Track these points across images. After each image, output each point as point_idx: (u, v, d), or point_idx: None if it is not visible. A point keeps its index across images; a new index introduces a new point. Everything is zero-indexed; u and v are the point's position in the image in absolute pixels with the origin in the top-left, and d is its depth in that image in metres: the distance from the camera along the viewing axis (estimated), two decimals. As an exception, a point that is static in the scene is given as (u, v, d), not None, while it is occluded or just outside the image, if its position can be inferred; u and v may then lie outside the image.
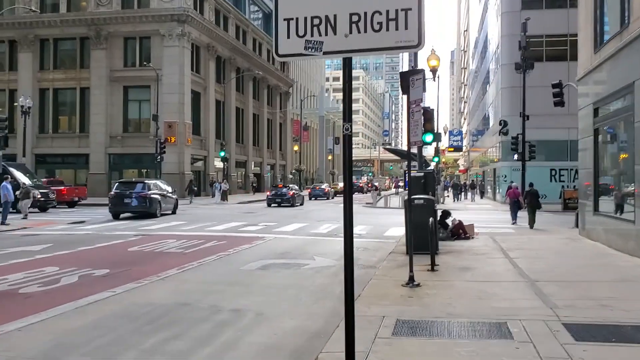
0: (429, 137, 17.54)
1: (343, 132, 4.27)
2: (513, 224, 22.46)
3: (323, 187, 54.77)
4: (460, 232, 16.30)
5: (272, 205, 36.75)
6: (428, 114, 17.21)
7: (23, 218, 23.52)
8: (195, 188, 43.01)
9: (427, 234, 11.88)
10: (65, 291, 8.99)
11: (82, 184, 46.38)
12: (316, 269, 11.54)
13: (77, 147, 46.55)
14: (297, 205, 37.67)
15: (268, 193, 38.54)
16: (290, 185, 42.23)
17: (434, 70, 17.66)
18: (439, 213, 15.57)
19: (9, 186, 21.13)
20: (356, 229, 20.03)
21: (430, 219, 11.08)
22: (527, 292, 8.72)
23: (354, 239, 14.37)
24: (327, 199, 50.93)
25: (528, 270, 10.65)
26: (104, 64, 45.14)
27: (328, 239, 17.01)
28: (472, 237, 16.39)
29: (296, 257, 13.15)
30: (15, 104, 43.30)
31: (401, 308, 7.64)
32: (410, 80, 8.99)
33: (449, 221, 16.53)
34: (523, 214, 22.10)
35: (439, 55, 17.67)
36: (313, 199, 50.00)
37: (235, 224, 21.81)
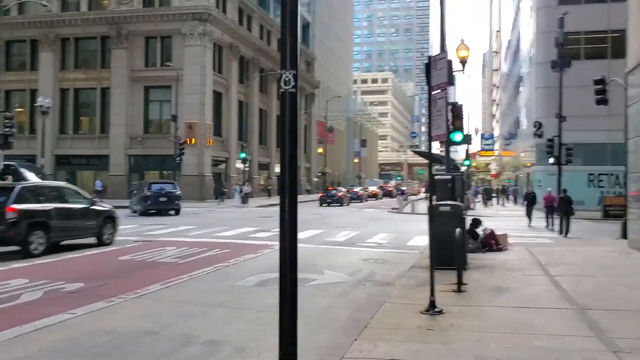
0: (458, 136, 15.80)
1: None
2: (546, 227, 22.95)
3: (356, 190, 55.16)
4: (492, 242, 14.51)
5: (323, 205, 42.48)
6: (457, 110, 15.49)
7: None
8: (226, 190, 41.76)
9: (453, 246, 10.25)
10: (18, 311, 7.59)
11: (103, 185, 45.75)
12: (322, 286, 9.94)
13: (97, 148, 45.81)
14: (344, 205, 43.63)
15: (320, 194, 45.47)
16: (339, 188, 50.30)
17: (463, 62, 15.92)
18: (468, 221, 13.82)
19: (10, 187, 19.95)
20: (377, 237, 18.38)
21: (457, 230, 9.39)
22: (577, 324, 6.97)
23: (373, 249, 12.59)
24: (342, 205, 49.15)
25: (574, 292, 8.87)
26: (124, 63, 44.33)
27: (344, 248, 15.38)
28: (506, 249, 14.59)
29: (303, 270, 11.49)
30: (36, 104, 42.70)
31: (417, 346, 5.99)
32: (432, 61, 7.35)
33: (479, 230, 14.76)
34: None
35: (468, 45, 15.92)
36: (325, 204, 48.17)
37: (247, 229, 20.33)
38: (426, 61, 7.44)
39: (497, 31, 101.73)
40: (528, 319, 7.14)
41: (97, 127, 46.26)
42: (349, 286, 10.00)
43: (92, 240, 15.14)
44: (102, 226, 15.33)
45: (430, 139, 7.54)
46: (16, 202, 12.83)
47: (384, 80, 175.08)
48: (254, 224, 22.87)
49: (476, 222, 14.88)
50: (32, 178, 28.99)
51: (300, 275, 10.54)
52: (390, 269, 11.97)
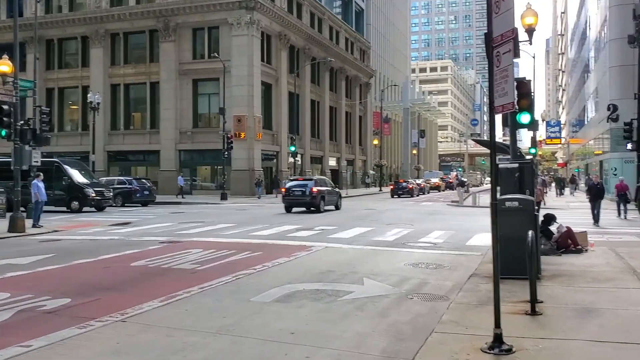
0: (525, 117, 13.42)
1: None
2: (618, 216, 21.17)
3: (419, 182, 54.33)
4: (569, 243, 12.16)
5: (394, 197, 45.03)
6: (524, 87, 13.03)
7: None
8: (262, 182, 40.18)
9: (524, 251, 8.14)
10: (-34, 341, 6.03)
11: (154, 181, 45.27)
12: (359, 301, 8.00)
13: (148, 143, 45.30)
14: (415, 196, 46.40)
15: (392, 187, 48.09)
16: (409, 180, 53.70)
17: (530, 31, 13.51)
18: (540, 218, 11.52)
19: (40, 184, 19.02)
20: (432, 236, 16.23)
21: (530, 233, 7.24)
22: None
23: (426, 250, 10.06)
24: (412, 196, 47.26)
25: (692, 316, 6.59)
26: (173, 57, 43.53)
27: (392, 250, 13.34)
28: (586, 250, 12.21)
29: (339, 279, 9.65)
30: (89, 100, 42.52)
31: (475, 418, 3.97)
32: (492, 3, 5.27)
33: (553, 228, 12.43)
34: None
35: (536, 11, 13.48)
36: (395, 196, 46.28)
37: (288, 227, 18.57)
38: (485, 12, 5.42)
39: (562, 12, 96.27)
40: (638, 364, 4.99)
41: (147, 122, 45.77)
42: (392, 302, 8.03)
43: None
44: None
45: (493, 111, 5.46)
46: (315, 186, 26.80)
47: (444, 69, 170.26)
48: (297, 221, 21.11)
49: (549, 219, 12.54)
50: (74, 174, 28.40)
51: (334, 286, 8.62)
52: (444, 277, 9.89)
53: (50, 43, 47.81)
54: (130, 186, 32.92)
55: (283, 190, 28.62)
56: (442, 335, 5.98)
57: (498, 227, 5.93)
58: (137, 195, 32.67)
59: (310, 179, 28.74)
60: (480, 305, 7.39)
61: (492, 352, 5.31)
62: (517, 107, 13.73)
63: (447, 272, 10.41)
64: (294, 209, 27.27)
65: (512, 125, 13.89)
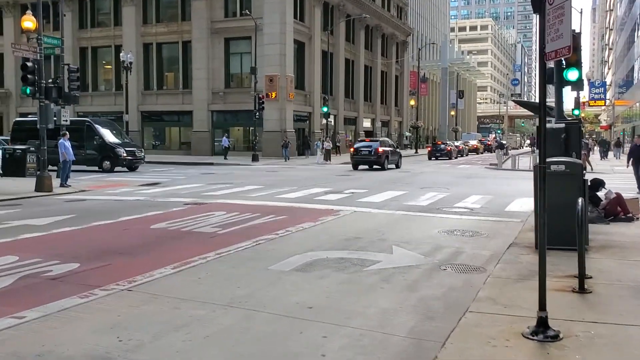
0: (573, 74, 12.34)
1: None
2: None
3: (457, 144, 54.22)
4: (619, 210, 11.19)
5: (432, 159, 44.50)
6: (573, 41, 12.03)
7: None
8: (289, 143, 39.07)
9: (569, 219, 7.39)
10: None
11: (187, 141, 45.19)
12: (386, 272, 7.34)
13: (181, 104, 44.97)
14: (453, 159, 45.72)
15: (429, 149, 47.30)
16: (448, 142, 52.88)
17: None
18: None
19: (67, 144, 18.72)
20: (468, 200, 15.37)
21: (580, 200, 6.40)
22: None
23: (461, 216, 8.23)
24: (450, 158, 46.20)
25: None
26: (204, 15, 42.67)
27: (425, 215, 12.59)
28: (637, 218, 11.24)
29: (366, 246, 8.99)
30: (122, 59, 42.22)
31: None
32: None
33: (601, 194, 11.47)
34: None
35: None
36: (433, 158, 45.25)
37: (317, 190, 17.93)
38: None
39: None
40: None
41: (180, 83, 45.36)
42: (422, 273, 7.35)
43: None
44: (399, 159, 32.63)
45: (543, 58, 4.60)
46: (380, 146, 29.78)
47: (484, 28, 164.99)
48: (327, 183, 20.45)
49: (597, 184, 11.56)
50: (106, 134, 28.22)
51: (360, 254, 7.94)
52: (481, 246, 9.14)
53: (83, 1, 47.45)
54: None
55: (352, 150, 31.33)
56: (478, 316, 5.28)
57: (543, 194, 5.11)
58: None
59: (376, 140, 32.10)
60: (520, 279, 6.64)
61: (535, 338, 4.59)
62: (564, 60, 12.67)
63: (484, 241, 9.65)
64: (360, 167, 30.28)
65: (557, 82, 12.82)
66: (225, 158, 37.99)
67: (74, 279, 6.84)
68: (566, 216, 7.90)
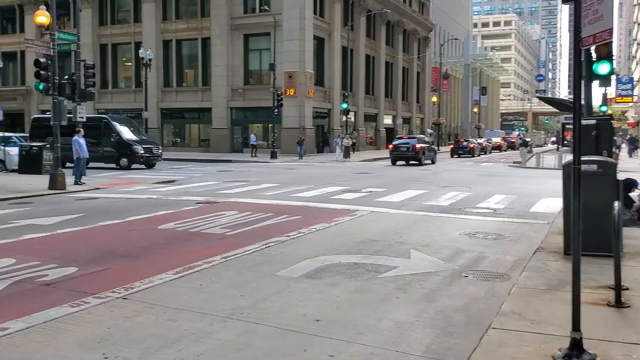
0: (603, 67, 11.68)
1: None
2: None
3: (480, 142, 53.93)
4: (654, 212, 10.49)
5: (454, 156, 43.79)
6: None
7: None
8: (304, 141, 38.16)
9: (601, 223, 6.83)
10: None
11: (206, 139, 44.98)
12: (403, 279, 6.83)
13: (200, 100, 44.75)
14: (475, 156, 45.31)
15: (451, 146, 46.81)
16: (470, 139, 53.13)
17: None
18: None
19: (82, 141, 18.47)
20: (491, 200, 14.74)
21: (616, 204, 5.81)
22: None
23: (484, 217, 7.71)
24: (473, 156, 45.49)
25: None
26: (224, 11, 42.36)
27: (446, 216, 12.01)
28: (673, 221, 10.51)
29: (382, 250, 8.47)
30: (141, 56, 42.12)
31: None
32: None
33: (634, 195, 10.78)
34: None
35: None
36: (455, 155, 44.50)
37: (334, 188, 17.42)
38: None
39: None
40: None
41: (199, 79, 45.14)
42: (442, 281, 6.82)
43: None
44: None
45: (579, 44, 4.04)
46: (418, 143, 31.90)
47: (507, 23, 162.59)
48: (344, 182, 19.93)
49: (630, 184, 10.85)
50: (123, 131, 28.06)
51: (375, 259, 7.40)
52: (505, 251, 8.57)
53: (103, -2, 47.55)
54: None
55: (391, 146, 33.85)
56: (502, 333, 4.74)
57: (578, 198, 4.53)
58: None
59: (414, 137, 34.52)
60: (549, 290, 6.07)
61: (569, 363, 4.04)
62: (594, 55, 12.00)
63: (509, 244, 9.07)
64: (398, 162, 32.35)
65: (587, 76, 12.16)
66: (254, 155, 37.32)
67: (69, 285, 6.44)
68: (597, 220, 7.31)
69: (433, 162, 33.78)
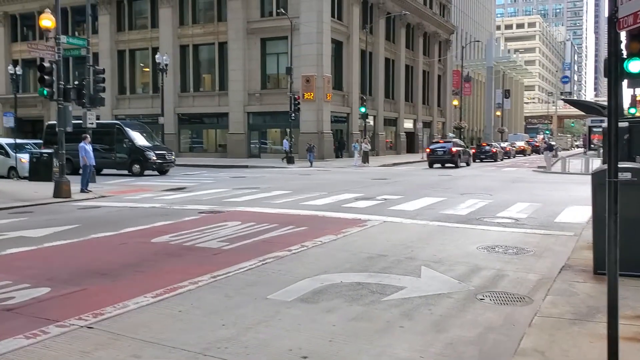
0: (635, 65, 10.69)
1: None
2: None
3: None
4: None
5: (477, 161, 42.64)
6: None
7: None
8: (314, 147, 36.72)
9: (636, 239, 6.02)
10: None
11: (223, 144, 44.53)
12: (410, 303, 6.03)
13: (217, 105, 44.37)
14: (498, 161, 45.08)
15: (473, 150, 44.75)
16: (493, 143, 52.23)
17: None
18: None
19: (88, 147, 17.99)
20: (513, 209, 13.79)
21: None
22: None
23: (505, 228, 6.87)
24: (496, 160, 44.41)
25: None
26: (240, 15, 41.94)
27: (463, 227, 11.14)
28: None
29: (390, 267, 7.68)
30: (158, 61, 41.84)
31: None
32: None
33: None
34: None
35: None
36: (477, 160, 43.38)
37: (347, 196, 16.63)
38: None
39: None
40: None
41: (216, 84, 44.75)
42: (454, 304, 6.01)
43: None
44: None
45: (614, 27, 3.24)
46: (454, 147, 33.54)
47: (531, 25, 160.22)
48: (359, 188, 19.12)
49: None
50: (136, 137, 27.63)
51: (381, 278, 6.22)
52: (527, 268, 7.71)
53: (121, 4, 47.46)
54: None
55: (428, 150, 35.42)
56: (522, 381, 3.92)
57: (615, 218, 3.70)
58: None
59: (449, 141, 35.81)
60: (577, 320, 5.22)
61: None
62: (625, 52, 11.03)
63: (531, 260, 8.20)
64: (435, 165, 33.95)
65: (615, 75, 11.20)
66: (290, 163, 34.65)
67: (34, 310, 5.77)
68: (632, 235, 6.48)
69: (468, 165, 35.67)
